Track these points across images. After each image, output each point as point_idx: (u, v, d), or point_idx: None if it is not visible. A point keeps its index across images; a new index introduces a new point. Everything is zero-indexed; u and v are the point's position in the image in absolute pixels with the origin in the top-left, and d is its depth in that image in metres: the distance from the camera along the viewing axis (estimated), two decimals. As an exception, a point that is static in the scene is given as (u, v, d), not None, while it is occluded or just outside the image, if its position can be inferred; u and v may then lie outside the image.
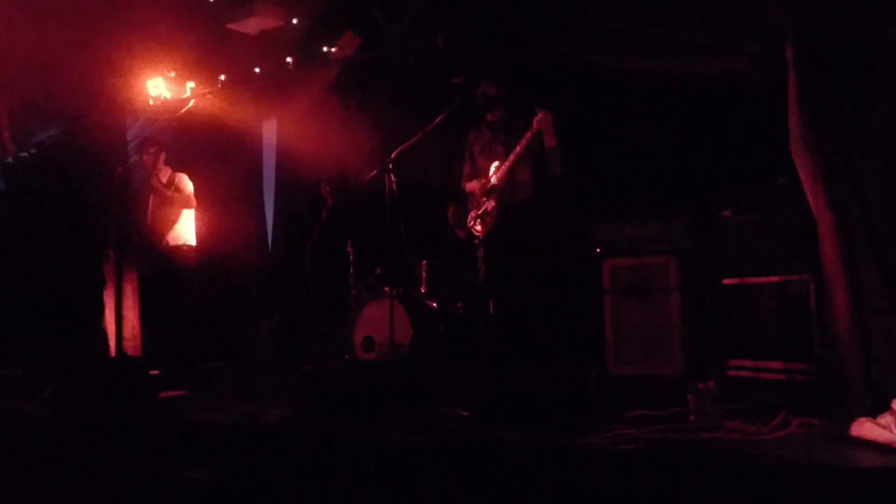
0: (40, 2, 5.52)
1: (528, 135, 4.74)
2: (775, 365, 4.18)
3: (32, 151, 7.13)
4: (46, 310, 6.65)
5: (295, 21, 6.03)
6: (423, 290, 5.73)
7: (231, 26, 6.14)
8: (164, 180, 6.06)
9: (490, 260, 4.92)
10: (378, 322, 5.56)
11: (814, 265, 3.83)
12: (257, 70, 6.44)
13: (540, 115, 4.69)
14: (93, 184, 6.59)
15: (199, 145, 7.09)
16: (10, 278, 6.74)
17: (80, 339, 6.44)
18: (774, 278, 4.26)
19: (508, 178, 4.90)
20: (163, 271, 6.05)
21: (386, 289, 5.64)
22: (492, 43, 5.43)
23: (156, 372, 5.19)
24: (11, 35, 5.50)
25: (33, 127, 6.87)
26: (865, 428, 3.13)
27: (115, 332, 5.94)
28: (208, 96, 6.70)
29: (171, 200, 6.02)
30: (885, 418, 3.12)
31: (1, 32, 5.45)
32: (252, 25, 6.12)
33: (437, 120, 4.87)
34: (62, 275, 6.67)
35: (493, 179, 4.94)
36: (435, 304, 5.68)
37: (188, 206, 6.07)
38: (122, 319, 6.02)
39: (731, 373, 4.35)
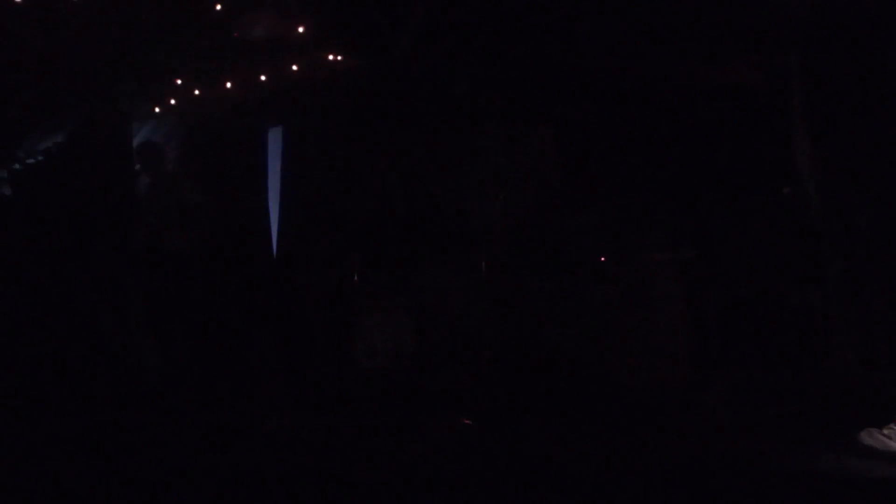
0: (47, 7, 5.55)
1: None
2: (780, 373, 4.17)
3: (39, 158, 7.17)
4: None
5: (301, 29, 6.05)
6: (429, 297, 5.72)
7: (237, 34, 6.16)
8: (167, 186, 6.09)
9: (491, 266, 4.92)
10: (381, 329, 5.55)
11: (819, 274, 3.83)
12: (263, 78, 6.46)
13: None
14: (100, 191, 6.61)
15: (205, 153, 7.11)
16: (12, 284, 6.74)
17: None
18: (780, 286, 4.25)
19: (510, 184, 4.91)
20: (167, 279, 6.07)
21: (390, 295, 5.64)
22: (496, 50, 5.44)
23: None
24: (18, 39, 5.54)
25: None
26: (872, 438, 3.12)
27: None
28: (214, 104, 6.72)
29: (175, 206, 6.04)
30: (891, 429, 3.11)
31: (8, 37, 5.50)
32: (258, 33, 6.14)
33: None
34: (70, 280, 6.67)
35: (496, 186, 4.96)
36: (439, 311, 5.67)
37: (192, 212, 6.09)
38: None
39: (736, 380, 4.33)
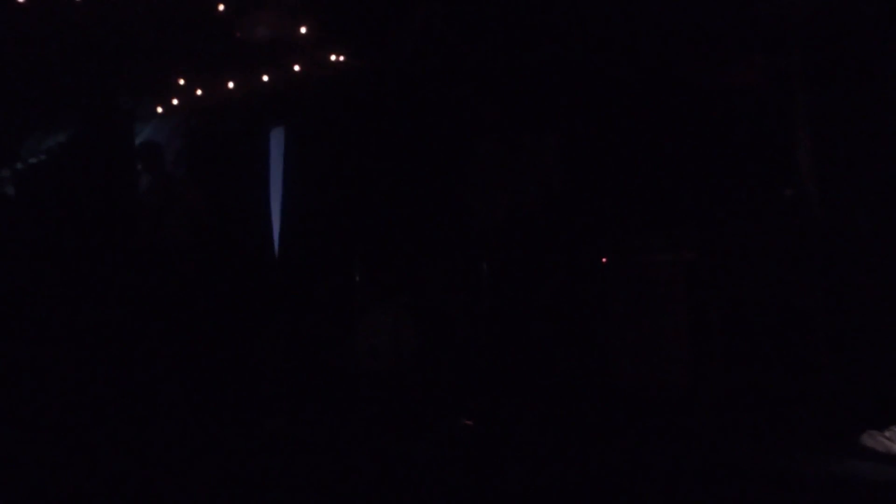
0: (48, 8, 5.56)
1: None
2: (781, 374, 4.16)
3: (42, 158, 7.18)
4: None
5: (303, 30, 6.05)
6: (430, 298, 5.73)
7: (240, 34, 6.17)
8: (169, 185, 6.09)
9: (495, 268, 4.92)
10: (382, 329, 5.55)
11: (821, 276, 3.82)
12: (266, 78, 6.46)
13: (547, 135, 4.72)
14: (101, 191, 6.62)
15: (207, 153, 7.12)
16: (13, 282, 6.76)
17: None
18: (782, 289, 4.24)
19: (512, 186, 4.91)
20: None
21: (392, 296, 5.64)
22: (498, 51, 5.44)
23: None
24: (21, 41, 5.56)
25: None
26: (873, 440, 3.11)
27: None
28: (217, 104, 6.72)
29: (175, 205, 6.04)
30: (893, 431, 3.10)
31: (9, 37, 5.51)
32: (260, 33, 6.14)
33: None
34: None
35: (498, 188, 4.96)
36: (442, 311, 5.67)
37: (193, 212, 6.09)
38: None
39: (737, 382, 4.32)
